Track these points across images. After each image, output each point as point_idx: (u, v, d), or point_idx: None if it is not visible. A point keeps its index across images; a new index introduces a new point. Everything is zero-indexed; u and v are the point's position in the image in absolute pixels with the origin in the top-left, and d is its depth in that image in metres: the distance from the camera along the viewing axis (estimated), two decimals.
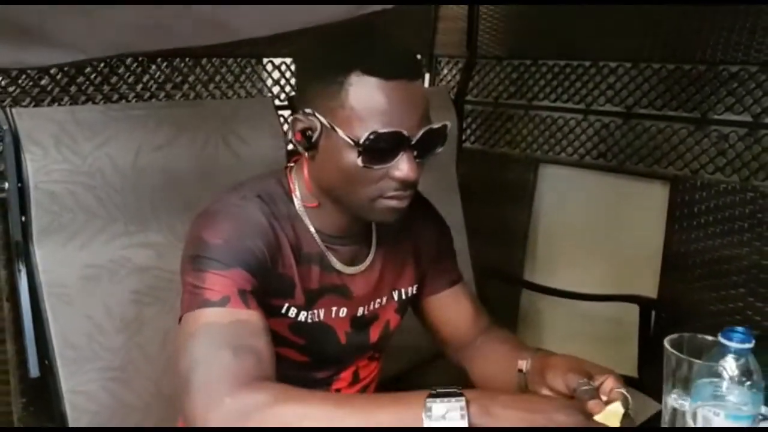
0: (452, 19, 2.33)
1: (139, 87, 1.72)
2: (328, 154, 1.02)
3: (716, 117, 1.97)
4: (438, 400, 0.84)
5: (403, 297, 1.24)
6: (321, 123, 1.00)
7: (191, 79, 1.80)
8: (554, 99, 2.29)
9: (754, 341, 0.83)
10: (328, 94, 0.99)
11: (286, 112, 1.81)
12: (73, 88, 1.60)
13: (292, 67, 2.01)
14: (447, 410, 0.83)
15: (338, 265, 1.14)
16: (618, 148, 2.16)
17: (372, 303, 1.20)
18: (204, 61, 1.82)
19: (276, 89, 2.00)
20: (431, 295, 1.27)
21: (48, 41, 1.34)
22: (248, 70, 1.92)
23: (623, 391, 0.94)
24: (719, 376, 0.84)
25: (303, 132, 1.03)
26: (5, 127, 1.26)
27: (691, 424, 0.82)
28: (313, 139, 1.02)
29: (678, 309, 1.97)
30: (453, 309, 1.29)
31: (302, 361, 1.14)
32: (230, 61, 1.87)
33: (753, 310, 1.88)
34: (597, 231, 2.23)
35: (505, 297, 2.38)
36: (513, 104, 2.39)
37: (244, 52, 1.89)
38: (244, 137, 1.59)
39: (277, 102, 1.80)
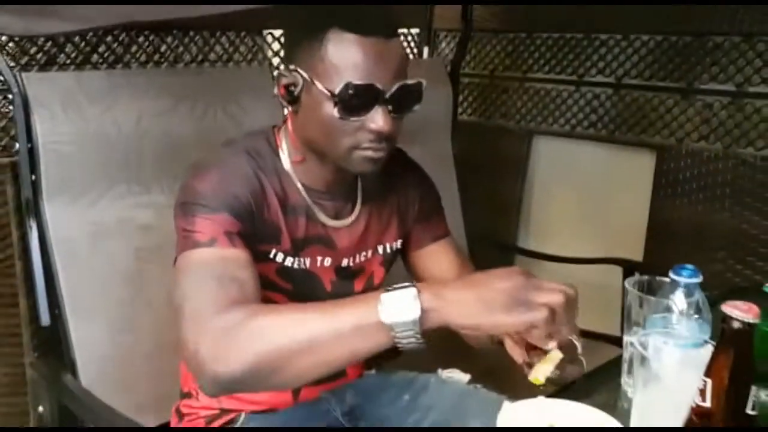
0: None
1: (142, 56, 1.79)
2: (309, 108, 1.08)
3: (701, 87, 2.02)
4: (391, 294, 0.89)
5: (388, 251, 1.32)
6: (302, 77, 1.07)
7: (193, 50, 1.87)
8: (548, 71, 2.35)
9: (701, 277, 0.90)
10: (309, 50, 1.05)
11: None
12: (79, 57, 1.68)
13: None
14: (400, 299, 0.88)
15: (323, 218, 1.21)
16: (608, 118, 2.22)
17: (357, 255, 1.27)
18: (206, 33, 1.88)
19: (276, 60, 2.07)
20: (418, 249, 1.34)
21: (56, 11, 1.42)
22: (248, 41, 1.99)
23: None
24: (671, 310, 0.91)
25: (286, 87, 1.10)
26: (15, 90, 1.34)
27: (644, 354, 0.89)
28: (295, 93, 1.08)
29: (662, 272, 2.03)
30: (439, 262, 1.36)
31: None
32: (231, 32, 1.93)
33: (733, 272, 1.95)
34: (587, 199, 2.30)
35: (499, 264, 2.44)
36: (508, 77, 2.45)
37: (244, 24, 1.95)
38: (244, 106, 1.67)
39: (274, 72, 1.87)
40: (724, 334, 0.70)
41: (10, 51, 1.57)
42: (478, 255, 2.17)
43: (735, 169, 1.97)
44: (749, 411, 0.69)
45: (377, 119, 1.05)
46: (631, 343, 0.87)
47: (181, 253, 1.04)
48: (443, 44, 2.57)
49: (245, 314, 0.94)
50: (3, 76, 1.34)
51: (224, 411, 1.26)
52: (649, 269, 2.03)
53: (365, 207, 1.27)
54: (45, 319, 1.40)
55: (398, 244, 1.32)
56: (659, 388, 0.82)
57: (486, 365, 1.48)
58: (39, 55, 1.62)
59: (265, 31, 2.05)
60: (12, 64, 1.53)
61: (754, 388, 0.70)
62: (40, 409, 1.40)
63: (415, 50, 2.48)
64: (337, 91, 1.02)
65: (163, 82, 1.56)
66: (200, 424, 1.26)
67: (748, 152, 1.95)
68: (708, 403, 0.70)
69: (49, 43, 1.62)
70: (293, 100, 1.09)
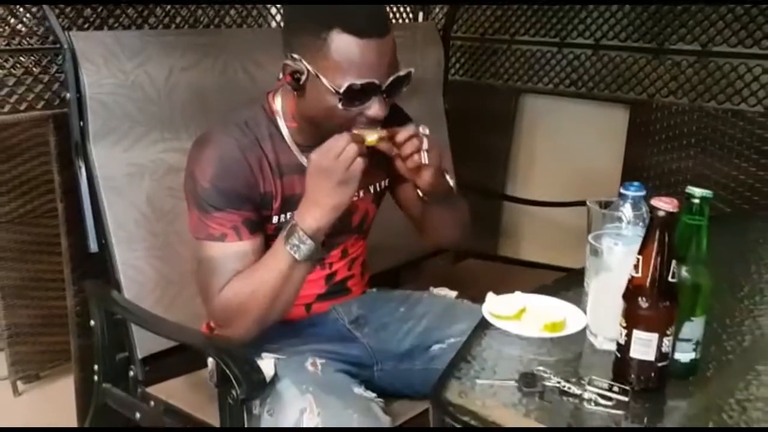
0: None
1: (165, 19, 1.97)
2: (314, 95, 1.27)
3: (670, 47, 2.23)
4: (288, 242, 1.26)
5: (378, 189, 1.53)
6: (308, 69, 1.25)
7: (210, 13, 2.06)
8: (533, 34, 2.55)
9: (644, 191, 1.11)
10: (314, 47, 1.23)
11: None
12: (125, 20, 1.88)
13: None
14: (298, 242, 1.25)
15: None
16: (587, 76, 2.43)
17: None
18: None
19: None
20: (402, 183, 1.53)
21: None
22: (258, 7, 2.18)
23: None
24: (621, 219, 1.13)
25: (292, 74, 1.28)
26: (66, 47, 1.54)
27: (597, 247, 1.10)
28: (301, 82, 1.27)
29: None
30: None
31: None
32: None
33: None
34: (568, 150, 2.52)
35: (488, 210, 2.67)
36: (497, 39, 2.65)
37: None
38: (261, 63, 1.86)
39: None
40: (652, 221, 0.92)
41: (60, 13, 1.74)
42: (469, 201, 2.38)
43: (699, 121, 2.19)
44: (670, 279, 0.91)
45: (374, 108, 1.26)
46: (588, 241, 1.09)
47: (197, 237, 1.34)
48: (437, 9, 2.75)
49: (227, 297, 1.30)
50: (56, 34, 1.53)
51: None
52: None
53: None
54: (93, 246, 1.59)
55: (386, 182, 1.54)
56: (608, 275, 1.05)
57: (470, 284, 1.72)
58: (79, 18, 1.80)
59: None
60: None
61: (674, 263, 0.92)
62: (92, 323, 1.61)
63: (411, 14, 2.66)
64: (342, 89, 1.22)
65: (188, 41, 1.76)
66: None
67: (711, 106, 2.17)
68: (640, 274, 0.92)
69: (89, 8, 1.81)
70: (298, 87, 1.28)
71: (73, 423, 1.97)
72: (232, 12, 2.11)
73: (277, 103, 1.39)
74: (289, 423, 1.23)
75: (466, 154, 2.44)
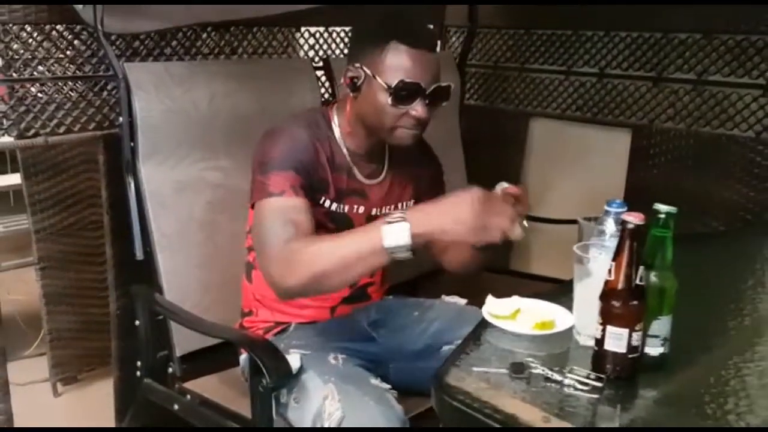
0: None
1: (216, 49, 2.18)
2: (368, 95, 1.50)
3: (668, 76, 2.40)
4: (389, 226, 1.28)
5: (404, 207, 1.72)
6: (365, 73, 1.49)
7: (253, 42, 2.26)
8: (542, 62, 2.72)
9: (627, 207, 1.28)
10: (373, 54, 1.47)
11: (320, 72, 2.28)
12: (167, 50, 2.07)
13: (325, 35, 2.47)
14: (397, 231, 1.27)
15: (360, 176, 1.62)
16: (592, 102, 2.60)
17: (383, 208, 1.67)
18: (256, 30, 2.27)
19: (311, 53, 2.46)
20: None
21: (144, 13, 1.83)
22: (289, 36, 2.38)
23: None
24: (604, 233, 1.29)
25: (351, 79, 1.51)
26: (120, 76, 1.73)
27: (582, 256, 1.26)
28: (358, 84, 1.50)
29: None
30: None
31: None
32: (276, 29, 2.32)
33: (693, 227, 2.31)
34: (576, 170, 2.67)
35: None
36: (509, 67, 2.83)
37: (286, 23, 2.34)
38: (291, 89, 2.06)
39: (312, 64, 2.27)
40: (623, 232, 1.09)
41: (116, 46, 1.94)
42: None
43: (696, 145, 2.35)
44: (638, 282, 1.08)
45: (418, 108, 1.47)
46: (574, 250, 1.26)
47: (260, 199, 1.46)
48: (453, 38, 2.94)
49: (298, 246, 1.38)
50: (112, 65, 1.73)
51: (278, 323, 1.67)
52: None
53: (390, 171, 1.68)
54: (140, 254, 1.78)
55: (412, 202, 1.73)
56: (590, 281, 1.21)
57: (480, 293, 1.88)
58: (128, 50, 2.00)
59: (303, 28, 2.43)
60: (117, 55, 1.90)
61: (641, 268, 1.09)
62: (137, 322, 1.79)
63: None
64: (393, 85, 1.44)
65: (230, 70, 1.96)
66: (260, 333, 1.67)
67: (706, 131, 2.33)
68: (613, 278, 1.09)
69: (138, 39, 2.00)
70: (355, 89, 1.51)
71: (109, 422, 2.14)
72: (266, 44, 2.30)
73: (334, 112, 1.61)
74: (313, 409, 1.41)
75: (480, 174, 2.62)
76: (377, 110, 1.49)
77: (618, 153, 2.54)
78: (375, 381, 1.50)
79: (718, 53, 2.28)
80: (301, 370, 1.47)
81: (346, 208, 1.60)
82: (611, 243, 1.24)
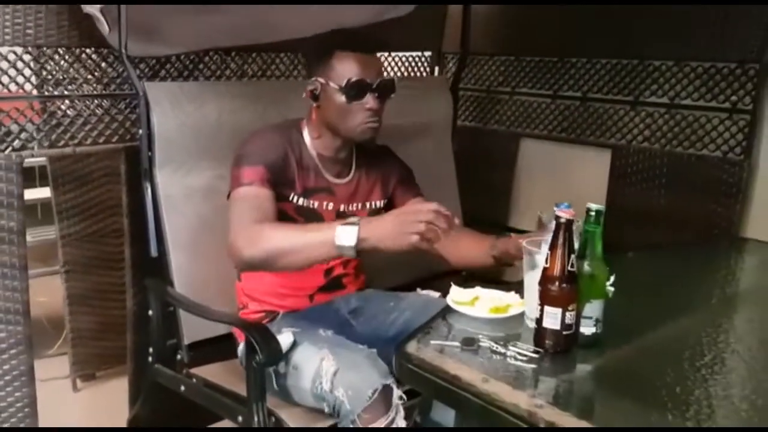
0: (457, 21, 2.95)
1: (225, 70, 2.39)
2: (327, 101, 1.76)
3: (644, 100, 2.58)
4: (342, 227, 1.53)
5: (373, 207, 1.95)
6: (321, 83, 1.75)
7: (255, 67, 2.47)
8: (531, 87, 2.92)
9: (572, 210, 1.46)
10: (324, 65, 1.75)
11: None
12: (184, 71, 2.28)
13: None
14: (347, 231, 1.52)
15: (327, 175, 1.86)
16: (576, 124, 2.78)
17: (350, 205, 1.89)
18: (263, 54, 2.48)
19: None
20: (404, 204, 1.92)
21: (163, 39, 2.06)
22: (295, 60, 2.59)
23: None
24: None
25: (311, 91, 1.78)
26: (141, 93, 1.95)
27: (531, 250, 1.44)
28: (317, 94, 1.77)
29: (616, 242, 2.54)
30: None
31: None
32: (282, 54, 2.53)
33: (669, 239, 2.49)
34: (562, 187, 2.84)
35: None
36: (500, 91, 3.03)
37: (289, 48, 2.54)
38: (290, 107, 2.25)
39: None
40: (557, 226, 1.28)
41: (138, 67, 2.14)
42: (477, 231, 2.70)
43: (669, 163, 2.51)
44: (570, 268, 1.27)
45: (370, 101, 1.74)
46: (523, 245, 1.45)
47: (233, 189, 1.71)
48: (450, 64, 3.15)
49: (262, 226, 1.64)
50: (134, 84, 1.94)
51: (268, 313, 1.88)
52: (608, 243, 2.60)
53: (357, 172, 1.91)
54: (154, 251, 1.98)
55: (382, 203, 1.95)
56: (536, 271, 1.40)
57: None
58: (149, 70, 2.21)
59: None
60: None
61: (573, 256, 1.27)
62: (150, 312, 2.00)
63: (428, 69, 3.07)
64: (343, 85, 1.70)
65: (236, 90, 2.18)
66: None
67: (678, 151, 2.50)
68: (549, 265, 1.28)
69: (153, 61, 2.21)
70: (316, 98, 1.78)
71: (123, 417, 2.29)
72: (268, 67, 2.52)
73: (305, 123, 1.87)
74: (311, 371, 1.61)
75: (473, 190, 2.82)
76: (336, 111, 1.76)
77: (599, 171, 2.71)
78: (362, 346, 1.70)
79: (689, 79, 2.46)
80: (295, 343, 1.68)
81: (315, 204, 1.83)
82: None
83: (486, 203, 3.01)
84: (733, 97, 2.37)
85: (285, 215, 1.76)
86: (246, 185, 1.71)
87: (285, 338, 1.66)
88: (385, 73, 1.78)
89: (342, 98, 1.74)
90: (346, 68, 1.73)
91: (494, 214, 3.01)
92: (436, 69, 3.09)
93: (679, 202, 2.49)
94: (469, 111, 3.15)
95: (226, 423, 2.21)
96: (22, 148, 1.93)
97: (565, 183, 2.85)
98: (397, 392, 1.55)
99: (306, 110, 1.88)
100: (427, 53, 3.05)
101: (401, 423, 1.50)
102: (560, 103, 2.84)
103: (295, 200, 1.80)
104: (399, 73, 2.95)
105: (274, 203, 1.72)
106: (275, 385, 1.70)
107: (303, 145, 1.84)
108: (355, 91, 1.73)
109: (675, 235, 2.49)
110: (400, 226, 1.51)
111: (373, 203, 1.94)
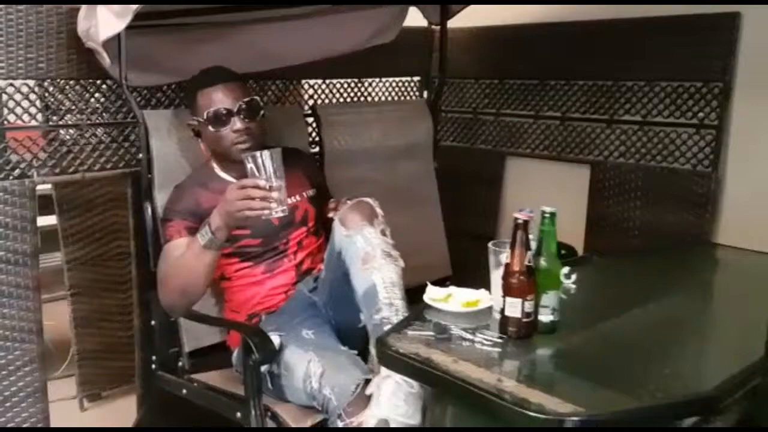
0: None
1: None
2: (204, 133, 2.01)
3: (619, 118, 2.73)
4: (199, 233, 1.85)
5: (307, 196, 2.15)
6: (196, 120, 1.99)
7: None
8: (514, 108, 3.07)
9: (534, 215, 1.59)
10: (193, 105, 2.01)
11: (310, 119, 2.65)
12: (175, 99, 2.41)
13: (324, 87, 2.86)
14: (202, 233, 1.82)
15: None
16: (556, 142, 2.93)
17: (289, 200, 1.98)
18: (253, 81, 2.57)
19: (311, 102, 2.81)
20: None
21: (159, 69, 2.20)
22: (290, 87, 2.75)
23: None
24: None
25: (192, 129, 2.04)
26: (140, 121, 2.10)
27: (496, 250, 1.57)
28: (196, 130, 2.03)
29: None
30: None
31: (258, 242, 2.04)
32: (270, 81, 2.67)
33: (644, 246, 2.63)
34: (544, 201, 2.93)
35: (483, 253, 3.12)
36: (487, 112, 3.18)
37: (289, 76, 2.71)
38: (282, 133, 2.41)
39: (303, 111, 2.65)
40: (515, 226, 1.42)
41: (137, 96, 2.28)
42: (463, 245, 2.80)
43: (643, 177, 2.66)
44: (527, 263, 1.40)
45: (236, 124, 1.96)
46: (489, 246, 1.58)
47: (164, 242, 1.96)
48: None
49: (161, 274, 1.96)
50: (135, 112, 2.09)
51: (251, 316, 2.05)
52: (588, 249, 2.73)
53: None
54: (153, 265, 2.09)
55: (312, 192, 2.15)
56: (501, 268, 1.53)
57: None
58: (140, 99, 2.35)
59: (303, 80, 2.80)
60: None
61: (529, 253, 1.41)
62: (152, 322, 2.14)
63: (417, 93, 3.23)
64: (204, 118, 1.95)
65: None
66: None
67: (651, 165, 2.64)
68: (509, 260, 1.41)
69: (145, 91, 2.33)
70: (197, 134, 2.03)
71: None
72: (261, 93, 2.65)
73: (211, 157, 2.10)
74: (300, 373, 1.75)
75: (462, 206, 2.97)
76: (211, 140, 2.00)
77: (579, 185, 2.85)
78: (344, 348, 1.85)
79: (659, 98, 2.61)
80: (282, 347, 1.82)
81: None
82: None
83: (474, 218, 3.15)
84: (700, 114, 2.52)
85: (238, 233, 1.95)
86: (167, 242, 1.96)
87: (273, 341, 1.80)
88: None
89: (210, 128, 1.98)
90: (206, 102, 1.97)
91: (482, 228, 3.14)
92: (425, 93, 3.24)
93: (653, 212, 2.63)
94: (457, 132, 3.30)
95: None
96: (35, 175, 2.07)
97: (549, 198, 2.89)
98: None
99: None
100: (416, 78, 3.21)
101: (397, 378, 1.59)
102: (542, 123, 2.98)
103: None
104: (389, 98, 3.12)
105: None
106: (270, 385, 1.83)
107: (214, 175, 2.07)
108: (216, 118, 1.97)
109: (651, 243, 2.62)
110: (228, 207, 1.77)
111: (305, 193, 2.14)
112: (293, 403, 1.82)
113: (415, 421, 1.55)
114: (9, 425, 2.06)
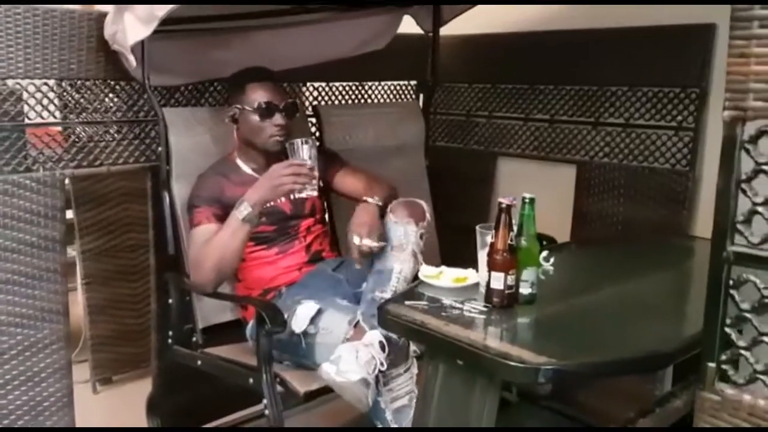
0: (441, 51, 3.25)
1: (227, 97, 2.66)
2: (244, 122, 2.20)
3: (604, 121, 2.90)
4: (237, 209, 2.08)
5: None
6: (238, 108, 2.18)
7: None
8: (505, 111, 3.24)
9: (516, 202, 1.77)
10: (241, 94, 2.20)
11: (313, 119, 2.85)
12: (192, 99, 2.59)
13: (327, 89, 3.04)
14: (240, 209, 2.06)
15: None
16: (545, 143, 3.10)
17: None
18: None
19: (315, 103, 2.99)
20: (334, 175, 2.39)
21: (176, 71, 2.39)
22: (296, 89, 2.92)
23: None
24: None
25: (231, 116, 2.21)
26: (161, 118, 2.28)
27: (483, 232, 1.75)
28: (236, 117, 2.20)
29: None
30: (350, 179, 2.38)
31: (273, 228, 2.26)
32: (284, 84, 2.78)
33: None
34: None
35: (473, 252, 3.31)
36: (479, 115, 3.36)
37: (294, 78, 2.88)
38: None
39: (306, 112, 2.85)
40: (499, 210, 1.60)
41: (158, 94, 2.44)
42: (455, 239, 2.95)
43: (626, 176, 2.83)
44: (509, 242, 1.58)
45: (278, 119, 2.17)
46: (477, 229, 1.76)
47: (190, 228, 2.14)
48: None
49: (197, 252, 2.15)
50: (155, 109, 2.27)
51: (266, 291, 2.24)
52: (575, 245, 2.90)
53: None
54: (171, 249, 2.29)
55: (320, 182, 2.28)
56: (487, 248, 1.70)
57: None
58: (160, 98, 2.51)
59: (308, 83, 2.97)
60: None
61: (512, 233, 1.59)
62: (170, 301, 2.28)
63: (413, 96, 3.41)
64: (255, 106, 2.14)
65: None
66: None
67: (634, 165, 2.81)
68: (494, 240, 1.60)
69: (165, 90, 2.50)
70: (235, 121, 2.20)
71: (138, 417, 2.50)
72: None
73: (235, 150, 2.29)
74: (342, 331, 1.93)
75: (455, 204, 3.13)
76: (252, 129, 2.19)
77: (566, 184, 3.02)
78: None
79: (641, 102, 2.79)
80: (320, 311, 2.01)
81: (270, 203, 2.18)
82: None
83: (467, 214, 3.28)
84: (679, 117, 2.69)
85: (259, 223, 2.15)
86: (195, 227, 2.14)
87: (307, 308, 1.99)
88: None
89: (255, 117, 2.17)
90: (255, 94, 2.18)
91: (475, 223, 3.21)
92: (422, 96, 3.40)
93: (635, 208, 2.81)
94: (451, 133, 3.48)
95: (228, 419, 2.60)
96: (65, 167, 2.23)
97: (537, 195, 3.09)
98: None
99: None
100: (413, 82, 3.39)
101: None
102: (531, 125, 3.16)
103: None
104: (386, 100, 3.30)
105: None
106: (303, 345, 2.00)
107: (236, 168, 2.26)
108: (265, 110, 2.16)
109: (634, 234, 2.79)
110: (270, 181, 2.05)
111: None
112: (318, 362, 1.93)
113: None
114: (37, 399, 2.21)
